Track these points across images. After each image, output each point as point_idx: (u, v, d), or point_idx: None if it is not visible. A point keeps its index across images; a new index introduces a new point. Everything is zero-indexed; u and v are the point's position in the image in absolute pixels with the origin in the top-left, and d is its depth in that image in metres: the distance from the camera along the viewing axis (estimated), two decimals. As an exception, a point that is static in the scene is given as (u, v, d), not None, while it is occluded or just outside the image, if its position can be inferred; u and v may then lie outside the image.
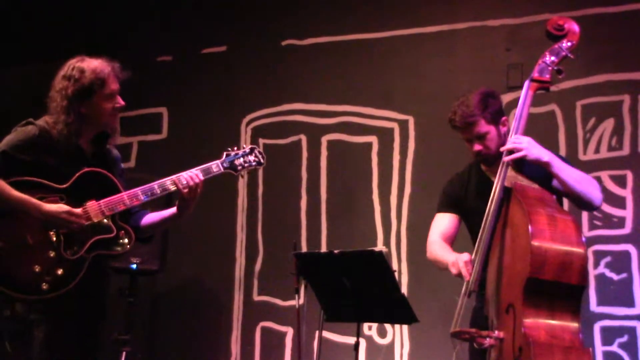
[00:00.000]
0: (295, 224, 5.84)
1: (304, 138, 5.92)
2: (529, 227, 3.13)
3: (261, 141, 6.02)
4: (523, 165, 3.42)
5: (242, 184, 6.04)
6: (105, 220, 3.37)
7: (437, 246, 3.70)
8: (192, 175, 3.47)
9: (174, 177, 3.48)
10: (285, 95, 6.00)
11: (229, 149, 3.68)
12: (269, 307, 5.81)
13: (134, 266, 5.39)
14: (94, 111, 3.42)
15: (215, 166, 3.58)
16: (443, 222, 3.78)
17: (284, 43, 6.08)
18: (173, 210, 3.58)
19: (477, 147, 3.58)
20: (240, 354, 5.84)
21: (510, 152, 3.38)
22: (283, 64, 6.06)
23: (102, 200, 3.36)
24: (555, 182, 3.48)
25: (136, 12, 6.48)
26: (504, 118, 3.63)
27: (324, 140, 5.87)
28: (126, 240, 3.41)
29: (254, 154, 3.71)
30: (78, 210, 3.29)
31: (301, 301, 4.63)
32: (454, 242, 3.76)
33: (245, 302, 5.91)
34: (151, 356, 5.94)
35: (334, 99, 5.86)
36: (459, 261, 3.40)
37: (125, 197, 3.40)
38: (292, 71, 6.03)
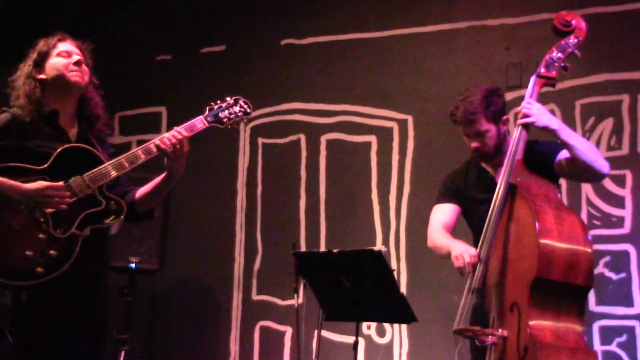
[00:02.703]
0: (294, 223, 5.83)
1: (303, 137, 5.92)
2: (536, 225, 3.11)
3: (260, 140, 6.02)
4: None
5: (241, 183, 6.04)
6: (92, 194, 3.26)
7: (438, 233, 3.68)
8: (174, 134, 3.35)
9: (156, 139, 3.36)
10: (285, 95, 6.00)
11: (212, 103, 3.57)
12: (267, 307, 5.81)
13: (133, 265, 5.40)
14: (51, 69, 3.38)
15: (199, 122, 3.46)
16: (443, 212, 3.76)
17: (283, 42, 6.08)
18: (163, 174, 3.46)
19: (475, 144, 3.59)
20: (239, 353, 5.84)
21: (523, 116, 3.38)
22: (282, 64, 6.05)
23: (85, 174, 3.25)
24: (558, 160, 3.47)
25: (135, 11, 6.48)
26: (505, 117, 3.63)
27: (323, 139, 5.87)
28: (117, 210, 3.30)
29: (239, 105, 3.57)
30: (60, 184, 3.19)
31: (300, 300, 4.63)
32: (454, 233, 3.75)
33: (244, 301, 5.90)
34: (150, 355, 5.94)
35: (333, 98, 5.86)
36: (464, 255, 3.34)
37: (110, 167, 3.28)
38: (291, 70, 6.03)
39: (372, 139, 5.73)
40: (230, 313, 5.92)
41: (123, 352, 5.22)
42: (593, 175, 3.43)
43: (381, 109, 5.72)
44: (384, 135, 5.70)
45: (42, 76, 3.39)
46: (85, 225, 3.25)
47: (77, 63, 3.39)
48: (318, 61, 5.96)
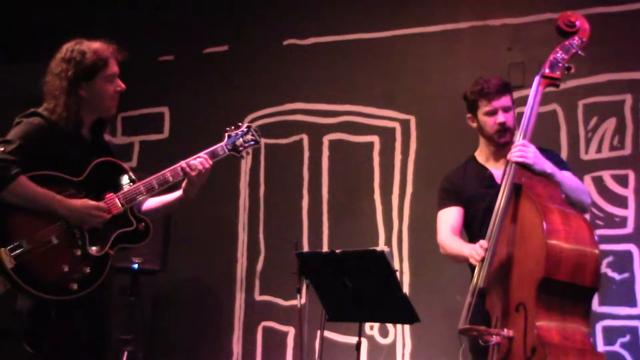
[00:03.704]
0: (296, 223, 5.83)
1: (305, 138, 5.92)
2: (544, 225, 3.10)
3: (263, 141, 5.98)
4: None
5: (243, 184, 6.04)
6: (124, 213, 3.33)
7: (450, 241, 3.69)
8: (201, 161, 3.46)
9: (182, 163, 3.46)
10: (287, 95, 6.00)
11: (228, 128, 3.67)
12: (270, 307, 5.81)
13: (136, 266, 5.40)
14: (96, 94, 3.34)
15: (221, 149, 3.58)
16: (449, 216, 3.76)
17: (285, 43, 6.08)
18: (178, 194, 3.54)
19: (502, 117, 3.62)
20: (241, 354, 5.84)
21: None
22: (285, 64, 6.05)
23: (120, 192, 3.32)
24: None
25: (138, 12, 6.48)
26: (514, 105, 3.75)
27: (326, 139, 5.87)
28: (145, 232, 3.38)
29: (250, 133, 3.69)
30: (104, 205, 3.26)
31: (303, 301, 4.63)
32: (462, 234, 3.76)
33: (246, 301, 5.91)
34: (153, 356, 5.94)
35: (336, 98, 5.86)
36: (477, 250, 3.36)
37: (142, 188, 3.36)
38: (293, 71, 6.03)
39: (375, 139, 5.73)
40: (232, 313, 5.92)
41: (126, 353, 5.22)
42: (578, 208, 3.50)
43: (384, 109, 5.72)
44: (386, 136, 5.70)
45: (83, 92, 3.33)
46: (115, 244, 3.30)
47: (120, 92, 3.43)
48: (320, 61, 5.96)
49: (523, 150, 3.40)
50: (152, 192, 3.38)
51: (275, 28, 6.12)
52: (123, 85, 3.43)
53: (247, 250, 5.97)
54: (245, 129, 3.67)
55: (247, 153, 3.71)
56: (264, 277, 5.89)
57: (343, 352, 5.31)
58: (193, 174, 3.43)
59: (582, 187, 3.64)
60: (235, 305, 5.93)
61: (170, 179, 3.43)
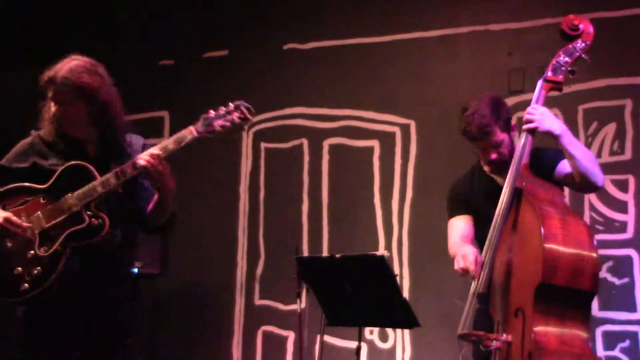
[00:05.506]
0: (296, 227, 5.83)
1: (305, 142, 5.92)
2: (542, 230, 3.10)
3: (263, 145, 6.02)
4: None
5: (243, 188, 6.04)
6: (78, 211, 3.28)
7: (453, 246, 3.64)
8: (150, 152, 3.39)
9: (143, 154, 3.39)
10: (287, 99, 6.01)
11: (211, 110, 3.44)
12: (270, 311, 5.81)
13: (135, 270, 5.38)
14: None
15: (189, 133, 3.42)
16: (459, 225, 3.70)
17: (285, 47, 6.08)
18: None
19: (494, 155, 3.51)
20: (241, 358, 5.84)
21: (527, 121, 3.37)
22: (285, 68, 6.06)
23: (75, 192, 3.28)
24: (557, 170, 3.45)
25: (138, 16, 6.48)
26: (513, 124, 3.59)
27: (326, 144, 5.87)
28: (99, 227, 3.28)
29: (239, 111, 3.38)
30: (15, 219, 3.24)
31: (302, 305, 4.63)
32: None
33: (246, 306, 5.90)
34: (152, 360, 5.95)
35: (336, 103, 5.86)
36: (459, 260, 3.34)
37: (97, 184, 3.29)
38: (293, 75, 6.03)
39: (375, 143, 5.73)
40: (232, 318, 5.92)
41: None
42: (587, 186, 3.42)
43: (384, 114, 5.73)
44: (386, 140, 5.70)
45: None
46: (68, 242, 3.28)
47: (53, 114, 3.38)
48: (320, 66, 5.96)
49: (530, 114, 3.35)
50: (107, 187, 3.28)
51: (275, 32, 6.13)
52: (53, 110, 3.37)
53: (246, 255, 5.97)
54: (232, 107, 3.41)
55: (233, 131, 3.44)
56: (264, 281, 5.89)
57: (343, 356, 5.30)
58: (143, 166, 3.32)
59: (593, 158, 3.48)
60: (234, 310, 5.93)
61: (129, 171, 3.32)
